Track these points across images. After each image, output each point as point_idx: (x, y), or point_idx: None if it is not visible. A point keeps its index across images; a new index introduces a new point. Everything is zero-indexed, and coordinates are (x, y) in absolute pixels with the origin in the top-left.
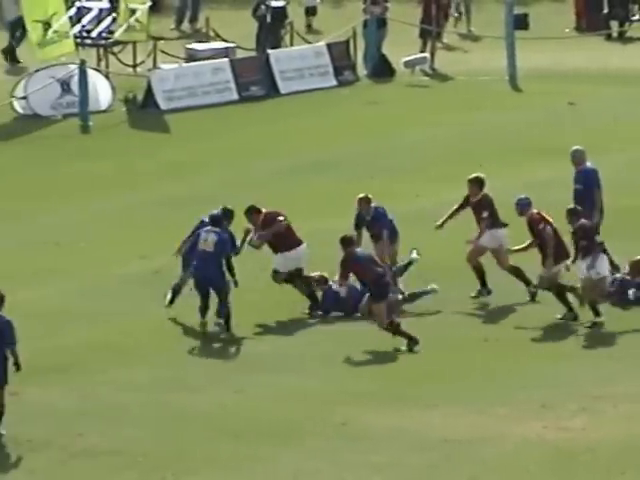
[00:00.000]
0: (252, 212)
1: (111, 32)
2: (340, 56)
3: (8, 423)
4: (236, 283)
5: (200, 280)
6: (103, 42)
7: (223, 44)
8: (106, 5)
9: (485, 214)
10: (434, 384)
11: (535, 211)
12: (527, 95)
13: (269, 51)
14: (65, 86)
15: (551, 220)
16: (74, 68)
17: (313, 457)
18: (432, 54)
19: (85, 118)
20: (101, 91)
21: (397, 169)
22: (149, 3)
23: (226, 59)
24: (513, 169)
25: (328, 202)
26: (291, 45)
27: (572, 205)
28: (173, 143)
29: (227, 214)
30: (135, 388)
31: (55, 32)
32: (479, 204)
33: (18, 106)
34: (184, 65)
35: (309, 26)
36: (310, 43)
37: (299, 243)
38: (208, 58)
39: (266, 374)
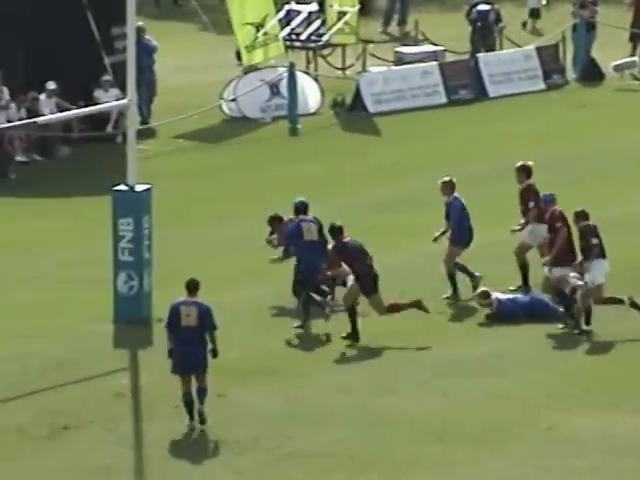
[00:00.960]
0: (273, 220)
1: (320, 35)
2: (549, 60)
3: (215, 424)
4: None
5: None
6: (312, 45)
7: (432, 47)
8: (315, 8)
9: (531, 204)
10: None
11: (558, 209)
12: None
13: (478, 55)
14: (274, 89)
15: (570, 223)
16: (283, 71)
17: (518, 461)
18: None
19: (294, 121)
20: (310, 94)
21: (607, 173)
22: (359, 6)
23: (435, 62)
24: None
25: None
26: (500, 49)
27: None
28: (381, 146)
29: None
30: (341, 391)
31: (265, 34)
32: (524, 193)
33: (227, 108)
34: (393, 68)
35: (526, 27)
36: (519, 47)
37: None
38: (417, 61)
39: (470, 378)
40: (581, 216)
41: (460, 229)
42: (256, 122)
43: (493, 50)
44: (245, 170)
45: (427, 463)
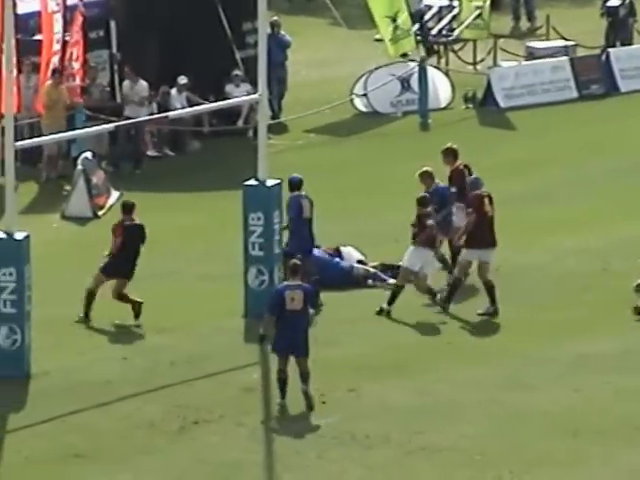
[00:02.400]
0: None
1: (451, 30)
2: None
3: (345, 419)
4: None
5: None
6: (444, 40)
7: (563, 42)
8: (446, 3)
9: (453, 189)
10: None
11: (479, 193)
12: None
13: (610, 49)
14: (405, 84)
15: (487, 210)
16: (414, 66)
17: None
18: None
19: (425, 115)
20: (441, 89)
21: None
22: (489, 0)
23: (566, 57)
24: None
25: None
26: (630, 44)
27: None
28: (513, 140)
29: None
30: (471, 386)
31: (398, 29)
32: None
33: (359, 103)
34: (524, 63)
35: None
36: None
37: None
38: (548, 56)
39: (603, 374)
40: (421, 202)
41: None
42: (387, 117)
43: (630, 45)
44: (375, 165)
45: (559, 459)
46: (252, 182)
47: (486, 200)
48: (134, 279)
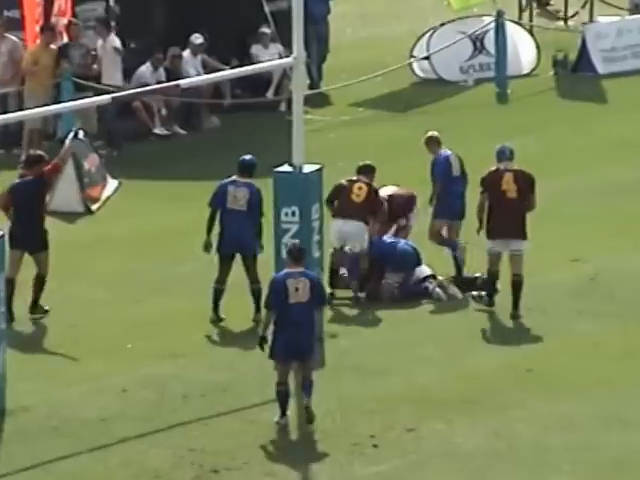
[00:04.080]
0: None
1: None
2: None
3: (403, 467)
4: None
5: None
6: None
7: None
8: None
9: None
10: None
11: (494, 170)
12: None
13: None
14: (478, 44)
15: (504, 189)
16: (489, 21)
17: None
18: None
19: (502, 84)
20: (523, 50)
21: None
22: None
23: None
24: None
25: None
26: None
27: None
28: (612, 115)
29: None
30: (559, 426)
31: None
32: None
33: (418, 68)
34: (627, 18)
35: None
36: None
37: None
38: None
39: None
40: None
41: (443, 196)
42: (454, 86)
43: None
44: (445, 144)
45: None
46: (285, 168)
47: (506, 178)
48: (136, 289)
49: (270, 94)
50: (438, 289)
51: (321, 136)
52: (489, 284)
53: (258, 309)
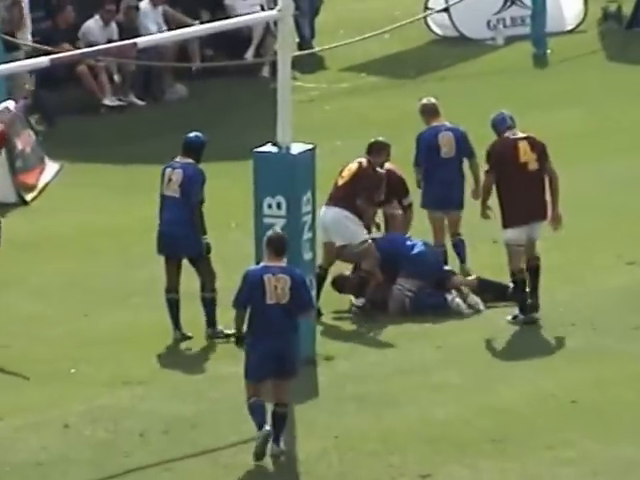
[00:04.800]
0: None
1: None
2: None
3: None
4: None
5: None
6: None
7: None
8: None
9: None
10: None
11: (506, 137)
12: None
13: None
14: None
15: (523, 161)
16: None
17: None
18: None
19: (540, 43)
20: (566, 3)
21: None
22: None
23: None
24: None
25: None
26: None
27: None
28: None
29: None
30: (616, 471)
31: None
32: None
33: (434, 24)
34: None
35: None
36: None
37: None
38: None
39: None
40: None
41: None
42: (480, 45)
43: None
44: (468, 118)
45: None
46: (268, 148)
47: (522, 147)
48: (82, 296)
49: (250, 55)
50: (459, 299)
51: (314, 108)
52: (518, 291)
53: (210, 323)
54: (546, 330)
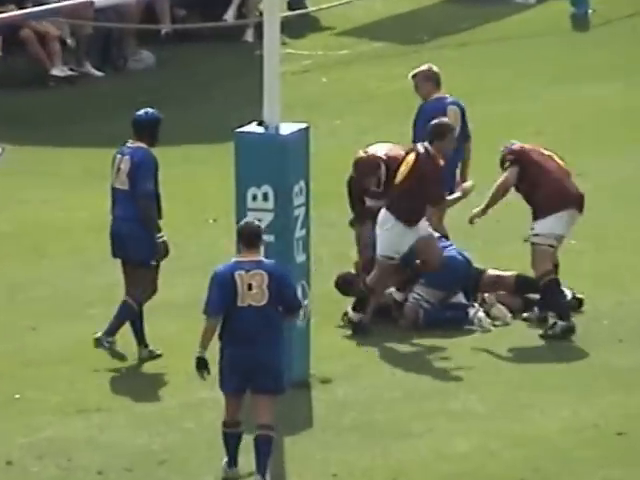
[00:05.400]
0: None
1: None
2: None
3: None
4: None
5: None
6: None
7: None
8: None
9: None
10: None
11: None
12: None
13: None
14: None
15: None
16: None
17: None
18: None
19: (581, 1)
20: None
21: None
22: None
23: None
24: None
25: None
26: None
27: None
28: None
29: None
30: None
31: None
32: None
33: None
34: None
35: None
36: None
37: None
38: None
39: None
40: None
41: None
42: (508, 4)
43: None
44: (490, 92)
45: None
46: (252, 128)
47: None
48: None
49: (230, 17)
50: (481, 313)
51: (307, 80)
52: (553, 293)
53: (141, 341)
54: (587, 346)
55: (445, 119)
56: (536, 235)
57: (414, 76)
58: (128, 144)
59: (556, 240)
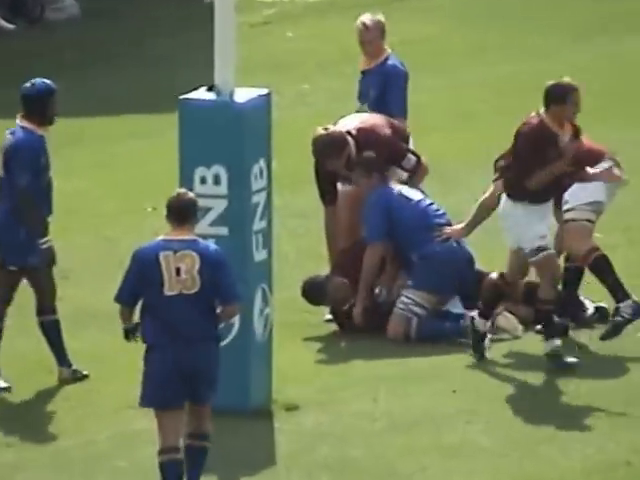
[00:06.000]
0: None
1: None
2: None
3: None
4: None
5: None
6: None
7: None
8: None
9: None
10: None
11: None
12: None
13: None
14: None
15: None
16: None
17: None
18: None
19: None
20: None
21: None
22: None
23: None
24: None
25: None
26: None
27: None
28: None
29: None
30: None
31: None
32: None
33: None
34: None
35: None
36: None
37: None
38: None
39: None
40: None
41: None
42: None
43: None
44: (495, 51)
45: None
46: (200, 94)
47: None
48: None
49: None
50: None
51: (270, 35)
52: (608, 272)
53: (62, 360)
54: (617, 364)
55: (567, 79)
56: (570, 210)
57: (368, 28)
58: (17, 121)
59: (595, 213)
